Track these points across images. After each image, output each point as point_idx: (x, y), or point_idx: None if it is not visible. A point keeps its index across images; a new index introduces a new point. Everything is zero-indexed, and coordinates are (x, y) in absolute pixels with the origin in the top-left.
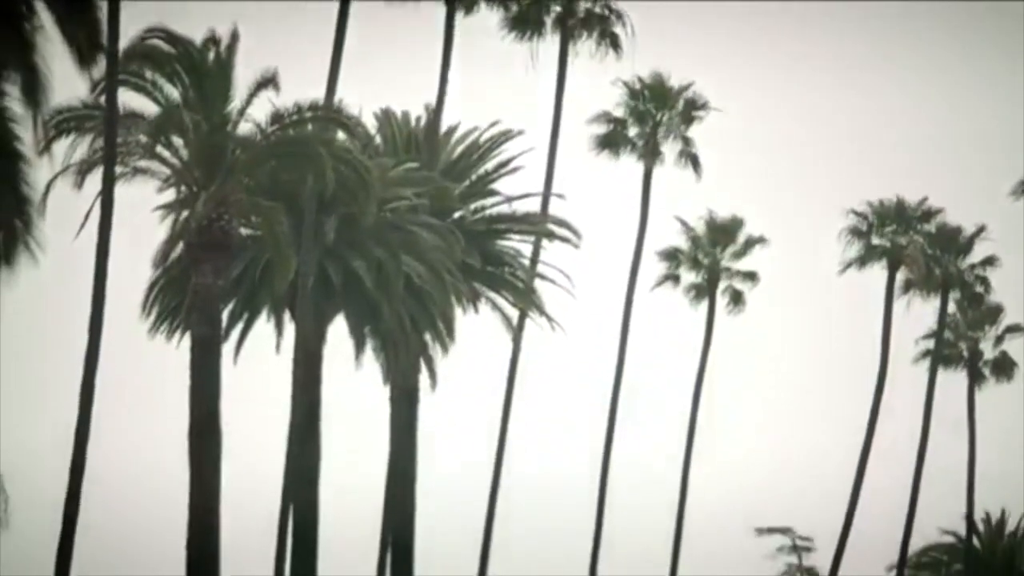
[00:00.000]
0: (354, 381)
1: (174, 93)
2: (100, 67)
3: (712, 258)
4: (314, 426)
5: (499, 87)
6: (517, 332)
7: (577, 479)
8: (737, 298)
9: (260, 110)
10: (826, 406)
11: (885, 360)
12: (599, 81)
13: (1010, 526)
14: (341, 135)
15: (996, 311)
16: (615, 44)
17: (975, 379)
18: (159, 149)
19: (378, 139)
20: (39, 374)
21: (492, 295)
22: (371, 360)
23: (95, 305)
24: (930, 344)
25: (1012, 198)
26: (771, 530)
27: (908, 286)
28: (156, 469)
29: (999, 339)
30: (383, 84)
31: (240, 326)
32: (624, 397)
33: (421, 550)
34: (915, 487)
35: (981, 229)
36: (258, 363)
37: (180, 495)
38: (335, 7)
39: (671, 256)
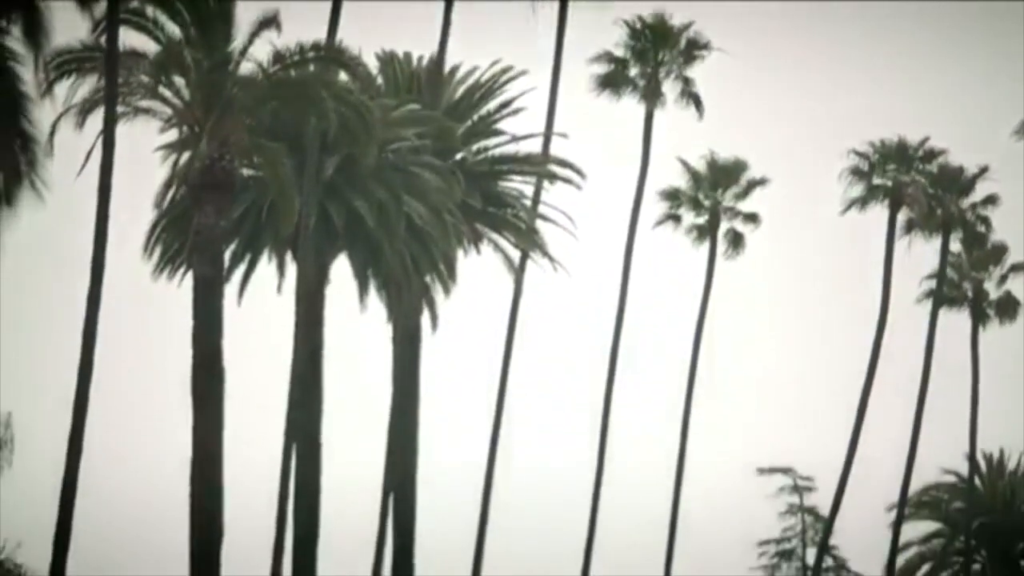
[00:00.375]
0: (357, 323)
1: (175, 32)
2: (100, 7)
3: (713, 199)
4: (316, 366)
5: (500, 27)
6: (519, 273)
7: (579, 419)
8: (738, 241)
9: (261, 51)
10: (827, 347)
11: (886, 301)
12: (601, 21)
13: (1010, 465)
14: (343, 76)
15: (1000, 250)
16: None
17: (978, 319)
18: (160, 89)
19: (380, 80)
20: (41, 315)
21: (494, 236)
22: (374, 301)
23: (97, 245)
24: (933, 284)
25: (1015, 138)
26: (772, 470)
27: (910, 226)
28: (159, 410)
29: (1003, 278)
30: (385, 26)
31: (243, 267)
32: (625, 339)
33: (423, 497)
34: (916, 427)
35: (984, 169)
36: (261, 306)
37: (183, 436)
38: None
39: (672, 196)
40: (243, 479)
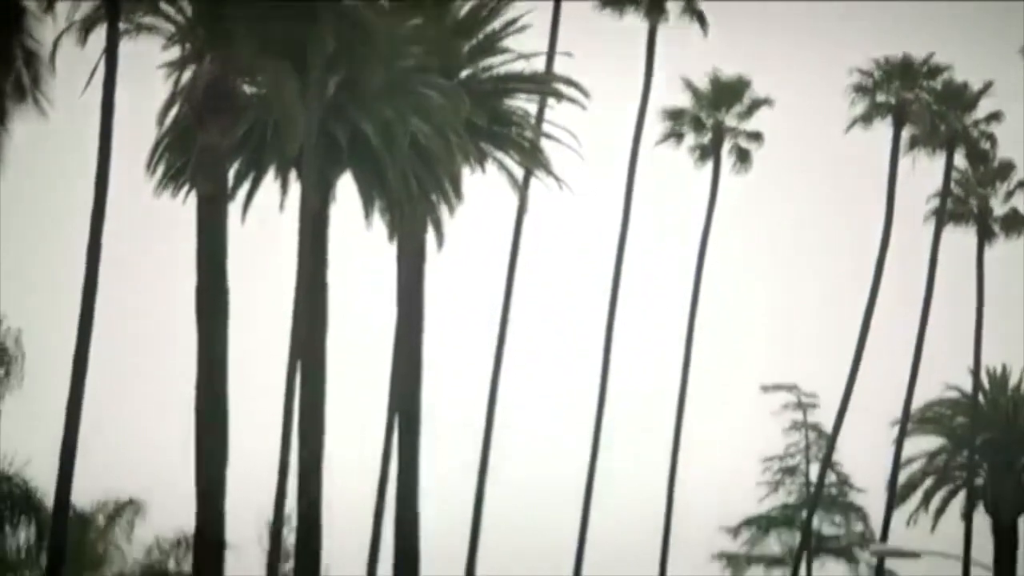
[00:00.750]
0: (362, 245)
1: None
2: None
3: (715, 118)
4: (320, 286)
5: None
6: (523, 191)
7: (582, 340)
8: (743, 157)
9: None
10: (831, 265)
11: (890, 219)
12: None
13: (1013, 380)
14: None
15: (1007, 167)
16: None
17: (984, 236)
18: (163, 5)
19: None
20: (47, 232)
21: (499, 155)
22: (378, 232)
23: (100, 162)
24: (938, 203)
25: (1021, 55)
26: (776, 387)
27: (914, 143)
28: (165, 328)
29: (1009, 195)
30: None
31: (246, 185)
32: (629, 260)
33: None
34: (919, 344)
35: (988, 85)
36: (265, 230)
37: (190, 354)
38: None
39: (675, 115)
40: (247, 400)
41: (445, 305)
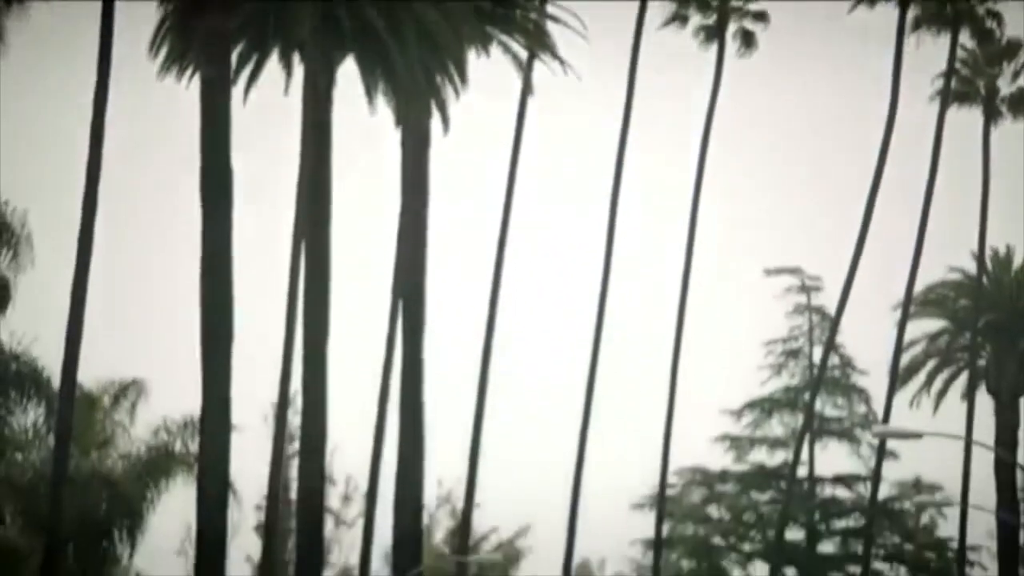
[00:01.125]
0: (366, 132)
1: None
2: None
3: None
4: (324, 172)
5: None
6: (527, 75)
7: (585, 226)
8: (748, 39)
9: None
10: (836, 148)
11: (895, 98)
12: None
13: (1017, 262)
14: None
15: (1015, 47)
16: None
17: (990, 116)
18: None
19: None
20: (52, 109)
21: (503, 37)
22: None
23: (103, 44)
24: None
25: None
26: (779, 271)
27: (918, 23)
28: (166, 211)
29: (1016, 75)
30: None
31: (249, 67)
32: (631, 144)
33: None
34: (922, 225)
35: None
36: (267, 112)
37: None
38: None
39: None
40: (252, 285)
41: (450, 194)
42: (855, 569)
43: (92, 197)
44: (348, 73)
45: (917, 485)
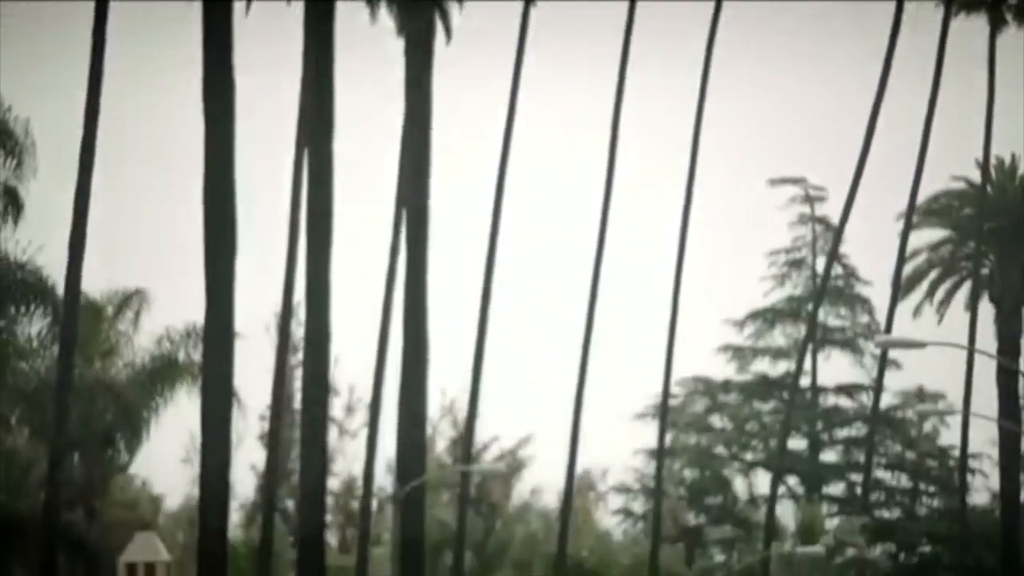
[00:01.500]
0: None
1: None
2: None
3: None
4: (326, 81)
5: None
6: None
7: (588, 136)
8: None
9: None
10: (840, 56)
11: (900, 5)
12: None
13: (1021, 169)
14: None
15: None
16: None
17: (996, 23)
18: None
19: None
20: (50, 23)
21: None
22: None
23: None
24: None
25: None
26: (783, 181)
27: None
28: (170, 121)
29: None
30: None
31: None
32: (634, 51)
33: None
34: (926, 134)
35: None
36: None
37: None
38: None
39: None
40: (253, 201)
41: (454, 103)
42: (857, 477)
43: (94, 105)
44: None
45: (919, 394)
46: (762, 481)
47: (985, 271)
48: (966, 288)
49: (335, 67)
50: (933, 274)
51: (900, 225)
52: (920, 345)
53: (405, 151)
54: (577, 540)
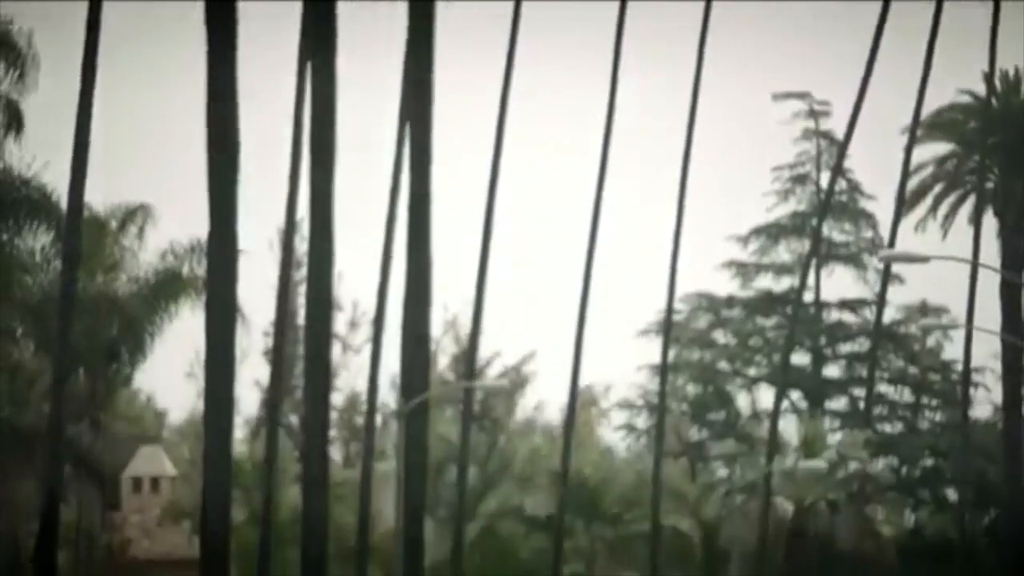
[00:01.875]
0: None
1: None
2: None
3: None
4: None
5: None
6: None
7: (594, 50)
8: None
9: None
10: None
11: None
12: None
13: None
14: None
15: None
16: None
17: None
18: None
19: None
20: None
21: None
22: None
23: None
24: None
25: None
26: (788, 95)
27: None
28: (174, 38)
29: None
30: None
31: None
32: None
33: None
34: (930, 46)
35: None
36: None
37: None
38: None
39: None
40: (256, 117)
41: (459, 19)
42: (860, 392)
43: (96, 18)
44: None
45: (923, 308)
46: (765, 396)
47: (990, 185)
48: (970, 203)
49: None
50: (937, 188)
51: (904, 139)
52: (924, 259)
53: (409, 64)
54: (580, 456)
